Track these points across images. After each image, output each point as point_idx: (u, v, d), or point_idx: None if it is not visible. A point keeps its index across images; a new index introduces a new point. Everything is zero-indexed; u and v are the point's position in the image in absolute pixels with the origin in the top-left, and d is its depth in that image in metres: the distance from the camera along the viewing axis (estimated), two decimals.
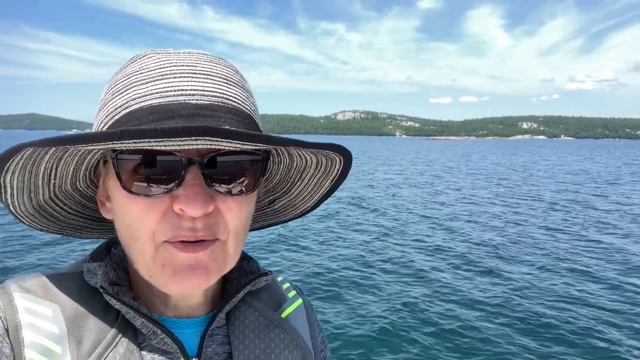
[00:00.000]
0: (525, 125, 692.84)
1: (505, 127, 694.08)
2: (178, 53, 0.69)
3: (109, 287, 0.68)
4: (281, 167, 0.84)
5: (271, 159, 0.81)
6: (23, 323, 0.64)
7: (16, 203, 0.70)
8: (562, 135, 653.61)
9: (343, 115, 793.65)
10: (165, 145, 0.56)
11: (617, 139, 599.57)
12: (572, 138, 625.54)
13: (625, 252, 11.37)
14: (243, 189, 0.68)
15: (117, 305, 0.68)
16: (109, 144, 0.55)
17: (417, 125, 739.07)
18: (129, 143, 0.54)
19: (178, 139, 0.53)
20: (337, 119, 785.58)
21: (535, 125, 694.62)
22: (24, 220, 0.76)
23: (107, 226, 0.87)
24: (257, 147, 0.63)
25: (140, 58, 0.70)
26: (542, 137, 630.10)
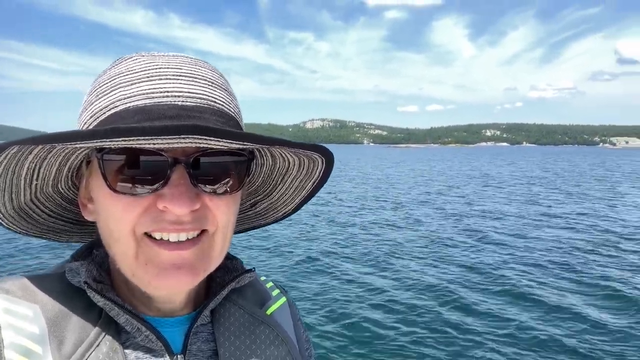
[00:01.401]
0: (488, 133, 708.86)
1: (469, 134, 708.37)
2: (163, 56, 0.69)
3: (93, 283, 0.67)
4: (264, 169, 0.84)
5: (255, 160, 0.80)
6: (2, 324, 0.63)
7: None
8: (524, 142, 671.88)
9: (312, 124, 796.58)
10: (154, 144, 0.57)
11: (576, 145, 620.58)
12: (534, 145, 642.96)
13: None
14: (228, 189, 0.68)
15: (100, 302, 0.67)
16: (96, 142, 0.55)
17: (384, 133, 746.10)
18: (118, 141, 0.54)
19: (168, 137, 0.54)
20: (306, 127, 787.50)
21: (498, 132, 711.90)
22: (3, 222, 0.75)
23: (87, 229, 0.87)
24: (244, 147, 0.64)
25: (125, 60, 0.70)
26: (504, 144, 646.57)
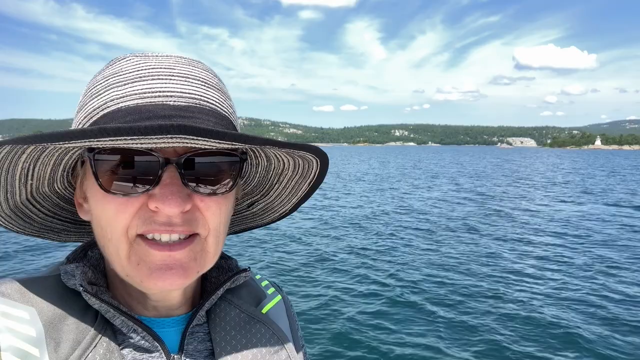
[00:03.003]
0: (397, 133, 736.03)
1: (380, 134, 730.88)
2: (156, 56, 0.70)
3: (87, 286, 0.67)
4: (259, 170, 0.84)
5: (249, 160, 0.82)
6: None
7: None
8: (430, 142, 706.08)
9: None
10: (141, 143, 0.56)
11: (477, 145, 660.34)
12: (439, 144, 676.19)
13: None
14: (220, 189, 0.68)
15: (96, 304, 0.67)
16: (85, 142, 0.55)
17: (299, 132, 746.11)
18: (106, 140, 0.54)
19: (155, 137, 0.53)
20: None
21: (407, 132, 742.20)
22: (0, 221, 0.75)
23: (85, 229, 0.87)
24: (234, 147, 0.64)
25: (119, 61, 0.70)
26: (412, 143, 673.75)
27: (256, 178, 0.86)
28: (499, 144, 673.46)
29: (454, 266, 10.72)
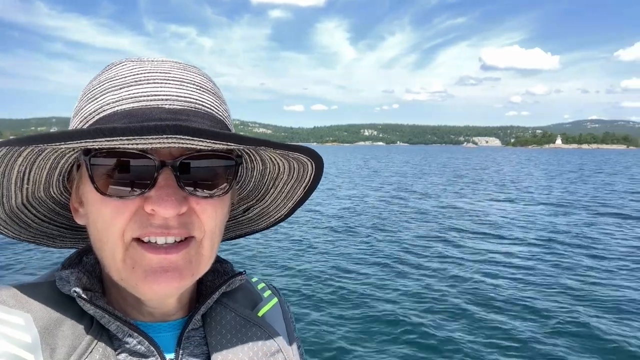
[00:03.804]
0: (367, 133, 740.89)
1: (349, 134, 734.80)
2: (152, 61, 0.70)
3: (82, 292, 0.67)
4: (254, 174, 0.85)
5: (244, 164, 0.82)
6: None
7: None
8: (399, 142, 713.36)
9: None
10: (137, 144, 0.57)
11: (444, 144, 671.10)
12: (407, 144, 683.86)
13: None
14: (215, 192, 0.69)
15: (91, 310, 0.68)
16: (81, 142, 0.56)
17: (269, 132, 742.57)
18: (102, 141, 0.55)
19: (150, 137, 0.53)
20: None
21: (376, 132, 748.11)
22: None
23: (80, 235, 0.87)
24: (229, 149, 0.65)
25: (115, 66, 0.70)
26: (381, 143, 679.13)
27: (252, 182, 0.87)
28: (465, 143, 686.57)
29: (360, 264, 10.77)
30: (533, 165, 67.37)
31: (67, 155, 0.69)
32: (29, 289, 0.69)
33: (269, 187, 0.86)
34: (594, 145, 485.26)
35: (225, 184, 0.70)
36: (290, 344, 0.87)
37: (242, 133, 0.60)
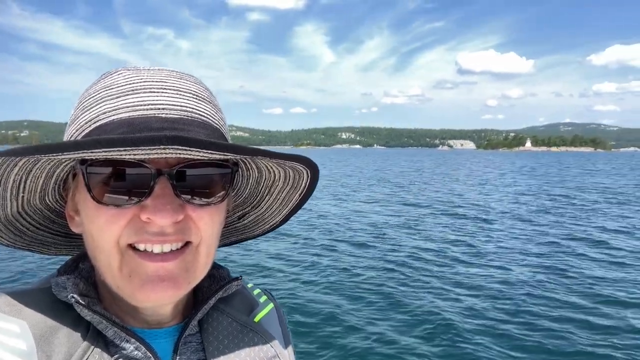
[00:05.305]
0: (344, 136, 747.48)
1: (327, 137, 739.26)
2: (148, 70, 0.71)
3: (79, 298, 0.67)
4: (250, 181, 0.85)
5: (240, 171, 0.83)
6: None
7: None
8: (375, 145, 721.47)
9: None
10: (134, 154, 0.57)
11: (420, 147, 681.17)
12: (384, 147, 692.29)
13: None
14: (212, 199, 0.69)
15: (88, 316, 0.68)
16: (79, 153, 0.56)
17: (246, 135, 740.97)
18: (99, 152, 0.55)
19: (147, 148, 0.54)
20: None
21: (353, 135, 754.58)
22: None
23: (75, 242, 0.87)
24: (226, 158, 0.65)
25: (111, 74, 0.71)
26: (358, 146, 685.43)
27: (247, 189, 0.87)
28: (441, 146, 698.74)
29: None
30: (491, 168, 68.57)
31: (64, 164, 0.69)
32: (23, 296, 0.69)
33: (265, 195, 0.87)
34: (563, 148, 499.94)
35: (221, 192, 0.70)
36: (287, 349, 0.87)
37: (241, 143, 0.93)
